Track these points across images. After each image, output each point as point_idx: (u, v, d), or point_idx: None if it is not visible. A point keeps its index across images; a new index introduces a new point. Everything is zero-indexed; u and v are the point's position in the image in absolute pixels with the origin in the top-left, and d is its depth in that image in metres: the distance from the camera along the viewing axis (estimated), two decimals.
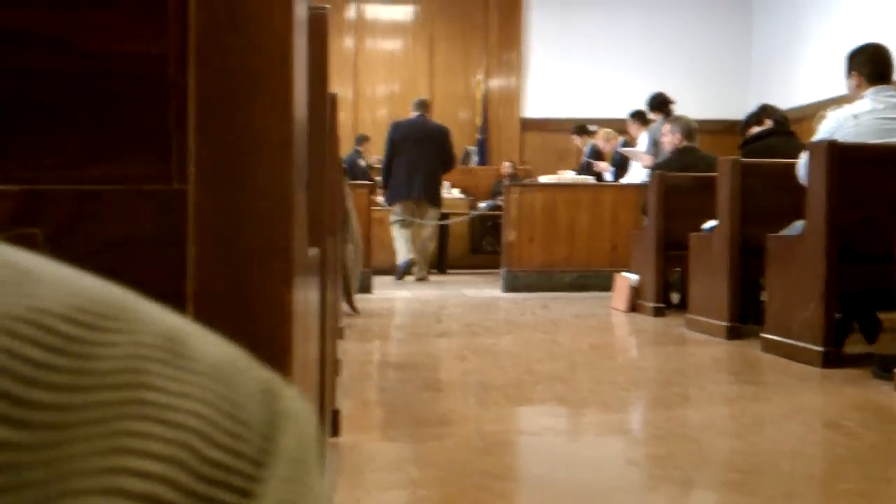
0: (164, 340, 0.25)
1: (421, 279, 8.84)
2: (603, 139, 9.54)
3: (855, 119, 4.16)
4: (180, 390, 0.24)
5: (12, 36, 0.66)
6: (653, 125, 8.42)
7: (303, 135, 0.75)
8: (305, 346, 0.85)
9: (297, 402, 0.28)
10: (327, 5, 1.75)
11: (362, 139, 10.20)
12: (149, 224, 0.65)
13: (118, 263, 0.65)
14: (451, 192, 10.49)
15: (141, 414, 0.23)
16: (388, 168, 8.61)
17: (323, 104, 1.66)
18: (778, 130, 5.86)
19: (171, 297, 0.67)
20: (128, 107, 0.67)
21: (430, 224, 8.85)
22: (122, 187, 0.66)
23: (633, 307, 6.47)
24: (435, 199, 8.75)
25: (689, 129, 6.79)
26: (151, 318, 0.26)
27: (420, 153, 8.38)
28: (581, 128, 10.06)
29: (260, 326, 0.63)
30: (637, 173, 8.64)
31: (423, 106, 8.74)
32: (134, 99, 0.67)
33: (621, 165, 9.17)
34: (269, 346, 0.63)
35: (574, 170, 9.34)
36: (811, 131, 6.40)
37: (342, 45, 11.28)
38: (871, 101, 4.19)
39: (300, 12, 0.69)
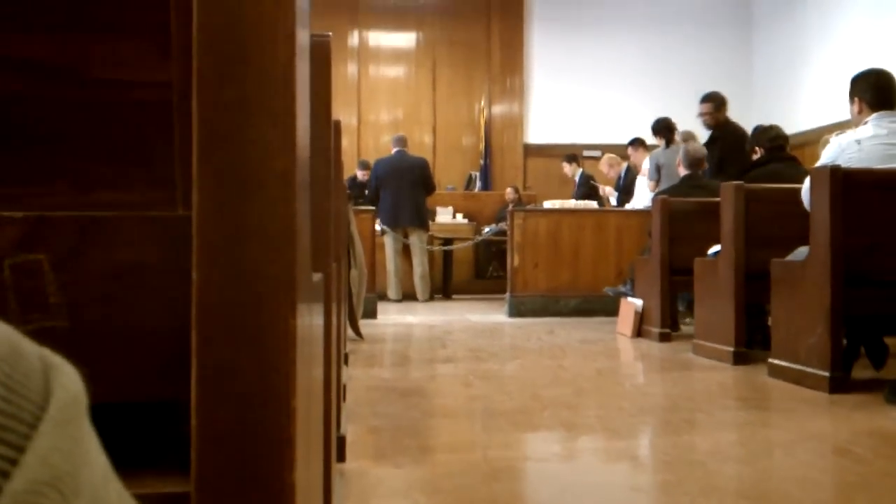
0: None
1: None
2: (606, 164, 9.58)
3: (858, 145, 4.17)
4: None
5: (20, 64, 0.67)
6: (655, 150, 8.45)
7: (306, 161, 0.75)
8: (310, 372, 0.85)
9: (69, 373, 0.32)
10: (329, 33, 1.76)
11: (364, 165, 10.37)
12: (154, 250, 0.65)
13: (123, 289, 0.65)
14: (455, 218, 10.53)
15: None
16: (374, 202, 9.41)
17: (327, 131, 1.67)
18: (778, 156, 5.87)
19: (176, 322, 0.67)
20: (133, 134, 0.68)
21: (419, 248, 9.29)
22: (128, 214, 0.66)
23: (639, 332, 6.46)
24: (423, 223, 9.50)
25: (694, 157, 6.81)
26: None
27: (403, 185, 9.21)
28: (571, 156, 10.14)
29: (264, 352, 0.63)
30: (642, 198, 8.66)
31: (402, 142, 9.57)
32: (139, 126, 0.67)
33: (626, 190, 9.20)
34: (274, 371, 0.63)
35: (568, 199, 9.38)
36: (815, 156, 6.42)
37: (346, 71, 11.35)
38: (874, 127, 4.20)
39: (302, 40, 0.70)
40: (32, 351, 0.31)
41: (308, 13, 0.76)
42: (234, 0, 0.61)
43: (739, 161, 6.70)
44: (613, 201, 9.34)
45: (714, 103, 7.55)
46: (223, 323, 0.63)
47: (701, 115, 7.60)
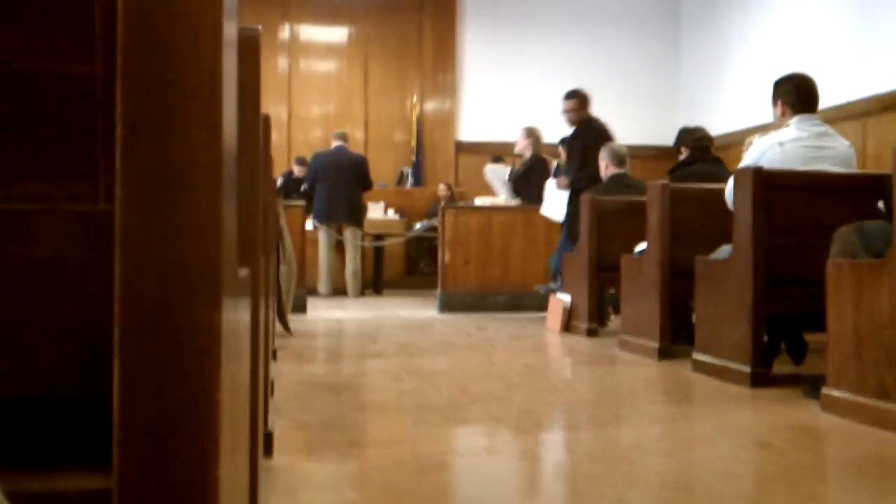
0: None
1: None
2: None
3: (781, 146, 4.27)
4: None
5: None
6: None
7: (232, 155, 0.74)
8: (236, 367, 0.85)
9: None
10: (259, 26, 1.74)
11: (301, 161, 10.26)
12: (76, 244, 0.64)
13: (43, 282, 0.64)
14: (386, 214, 10.52)
15: None
16: (310, 195, 9.38)
17: (256, 125, 1.65)
18: (703, 157, 5.99)
19: (97, 317, 0.66)
20: (55, 127, 0.67)
21: (352, 244, 9.31)
22: (49, 207, 0.65)
23: (567, 328, 6.54)
24: (357, 220, 9.50)
25: (620, 156, 6.92)
26: None
27: (340, 181, 9.20)
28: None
29: (188, 347, 0.63)
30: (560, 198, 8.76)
31: (344, 137, 9.56)
32: (61, 119, 0.66)
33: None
34: (198, 366, 0.63)
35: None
36: (738, 156, 6.57)
37: (276, 65, 11.24)
38: (796, 129, 4.31)
39: (230, 33, 0.69)
40: None
41: (236, 6, 0.75)
42: None
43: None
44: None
45: (578, 100, 7.45)
46: (146, 318, 0.62)
47: (565, 111, 7.49)
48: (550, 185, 7.49)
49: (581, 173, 7.25)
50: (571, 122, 7.46)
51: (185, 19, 0.62)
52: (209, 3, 0.62)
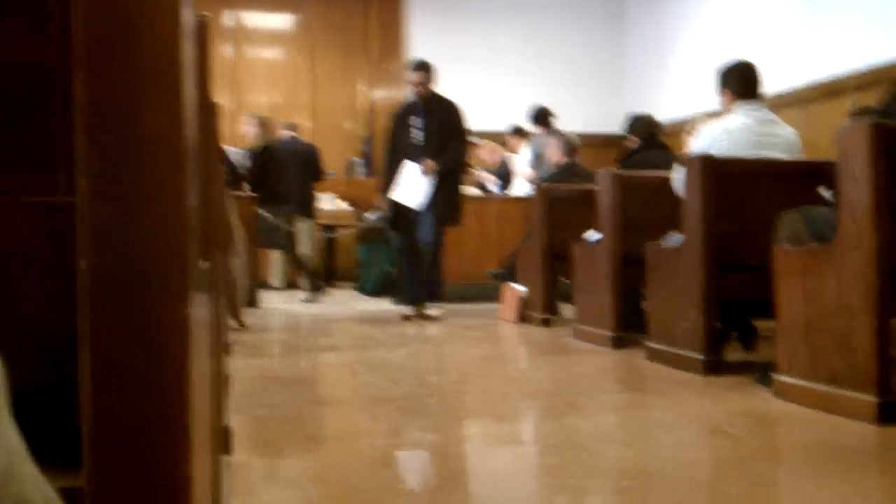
0: None
1: (314, 291, 8.84)
2: (488, 151, 9.66)
3: (728, 133, 4.32)
4: None
5: None
6: (535, 138, 8.58)
7: (194, 143, 0.73)
8: (199, 361, 0.83)
9: None
10: (205, 12, 1.71)
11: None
12: (35, 236, 0.62)
13: (4, 276, 0.62)
14: (336, 203, 10.44)
15: None
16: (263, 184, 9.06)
17: (206, 114, 1.62)
18: (650, 144, 6.04)
19: (59, 311, 0.64)
20: (11, 116, 0.64)
21: (306, 234, 9.26)
22: (7, 199, 0.63)
23: (522, 318, 6.56)
24: (309, 211, 9.22)
25: (570, 145, 6.95)
26: None
27: (291, 173, 8.93)
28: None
29: (156, 341, 0.61)
30: (521, 186, 8.79)
31: (293, 127, 9.36)
32: (18, 109, 0.64)
33: (506, 177, 9.30)
34: (167, 360, 0.61)
35: None
36: (682, 143, 6.64)
37: (221, 53, 11.09)
38: (742, 117, 4.36)
39: (187, 18, 0.67)
40: None
41: None
42: None
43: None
44: (495, 189, 9.44)
45: (427, 72, 6.80)
46: (113, 311, 0.60)
47: (414, 83, 6.76)
48: (411, 168, 6.67)
49: (452, 153, 6.72)
50: (420, 96, 6.76)
51: (144, 4, 0.60)
52: None
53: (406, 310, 6.82)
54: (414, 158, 6.65)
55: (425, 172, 6.59)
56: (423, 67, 6.79)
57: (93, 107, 0.60)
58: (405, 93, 7.12)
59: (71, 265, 0.62)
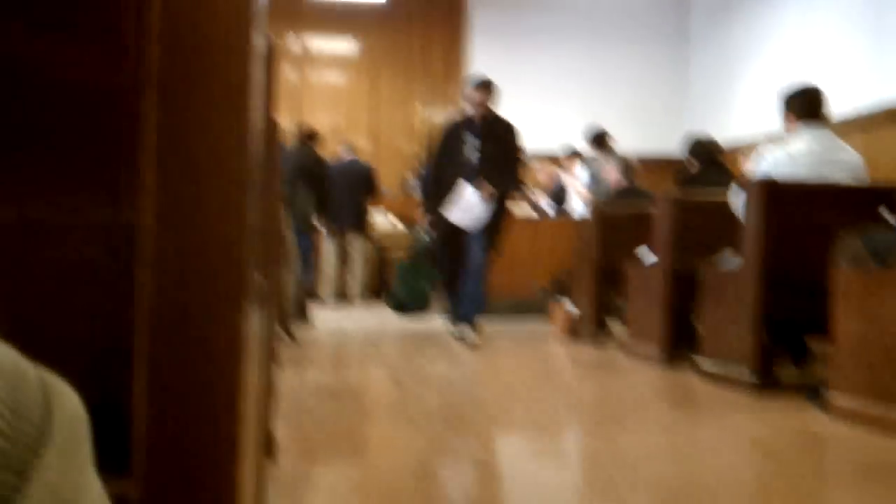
0: None
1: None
2: (544, 174, 9.69)
3: (790, 157, 4.29)
4: None
5: None
6: (591, 160, 8.57)
7: (257, 164, 0.75)
8: (251, 374, 0.86)
9: (68, 395, 0.33)
10: (272, 35, 1.76)
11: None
12: (100, 253, 0.65)
13: (68, 294, 0.65)
14: (392, 223, 10.55)
15: None
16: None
17: (271, 135, 1.67)
18: (710, 166, 5.99)
19: (122, 325, 0.67)
20: (80, 137, 0.68)
21: (359, 250, 9.57)
22: (71, 217, 0.66)
23: (572, 334, 6.54)
24: (363, 228, 9.53)
25: (629, 167, 6.94)
26: None
27: (348, 190, 9.21)
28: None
29: (212, 354, 0.64)
30: (577, 207, 8.77)
31: (353, 149, 9.66)
32: (87, 129, 0.67)
33: (560, 199, 9.30)
34: (223, 372, 0.63)
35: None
36: (740, 167, 6.57)
37: (287, 76, 11.28)
38: (805, 140, 4.33)
39: (259, 45, 0.70)
40: (30, 371, 0.32)
41: (264, 17, 0.77)
42: (193, 3, 0.61)
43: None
44: (550, 211, 9.45)
45: (489, 91, 6.37)
46: (172, 325, 0.63)
47: (475, 101, 6.31)
48: (468, 190, 6.27)
49: (508, 177, 6.40)
50: (482, 117, 6.35)
51: (218, 29, 0.63)
52: (241, 14, 0.63)
53: (457, 330, 6.41)
54: (467, 178, 6.28)
55: (484, 197, 6.24)
56: (487, 86, 6.41)
57: (162, 128, 0.63)
58: (460, 109, 6.67)
59: (129, 284, 0.65)
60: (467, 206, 6.30)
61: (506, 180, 6.37)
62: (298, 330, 6.47)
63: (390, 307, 6.97)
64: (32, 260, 0.68)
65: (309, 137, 8.68)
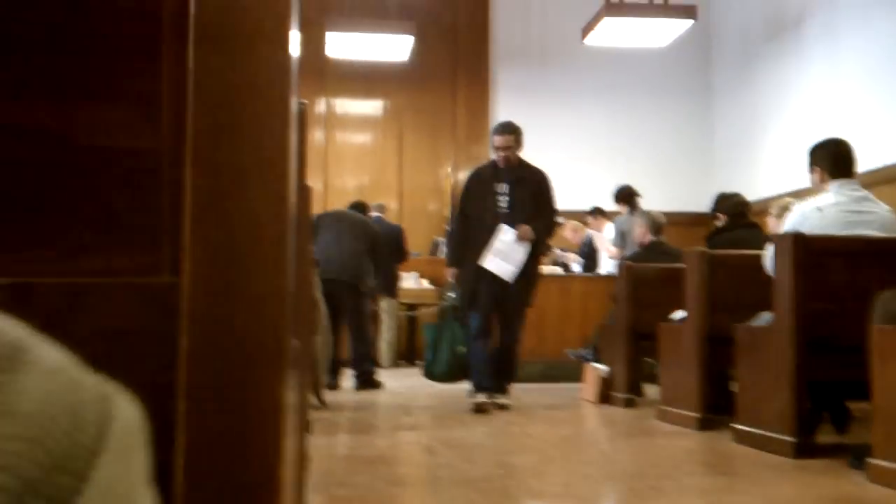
0: (9, 349, 0.32)
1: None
2: (571, 230, 9.67)
3: (819, 212, 4.25)
4: (21, 390, 0.30)
5: (8, 128, 0.66)
6: (619, 217, 8.56)
7: (293, 228, 0.75)
8: (290, 443, 0.84)
9: (125, 402, 0.34)
10: (305, 100, 1.77)
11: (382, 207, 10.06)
12: (141, 316, 0.65)
13: (109, 355, 0.64)
14: (420, 284, 10.54)
15: None
16: None
17: (301, 196, 1.67)
18: (741, 222, 5.96)
19: (163, 388, 0.66)
20: (122, 200, 0.67)
21: (387, 314, 9.56)
22: (115, 280, 0.65)
23: (604, 398, 6.45)
24: (392, 290, 9.40)
25: (656, 224, 6.91)
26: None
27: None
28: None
29: (254, 422, 0.63)
30: (606, 264, 8.75)
31: (382, 209, 9.51)
32: (128, 193, 0.67)
33: (590, 256, 9.28)
34: (264, 442, 0.62)
35: None
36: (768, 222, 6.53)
37: (313, 137, 11.42)
38: (834, 195, 4.29)
39: (294, 108, 0.70)
40: (89, 377, 0.33)
41: (297, 80, 0.77)
42: (229, 65, 0.61)
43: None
44: (577, 268, 9.42)
45: (516, 136, 6.10)
46: (212, 391, 0.62)
47: (501, 148, 6.04)
48: (507, 233, 5.91)
49: (542, 223, 6.07)
50: (509, 163, 6.06)
51: (255, 92, 0.63)
52: (278, 78, 0.63)
53: (479, 397, 5.94)
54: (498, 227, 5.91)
55: (521, 239, 5.86)
56: (513, 130, 6.09)
57: (202, 191, 0.62)
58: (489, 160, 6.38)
59: (172, 344, 0.64)
60: (506, 249, 5.85)
61: (542, 225, 6.03)
62: (327, 394, 6.44)
63: (426, 377, 6.48)
64: (76, 323, 0.67)
65: (361, 207, 8.56)
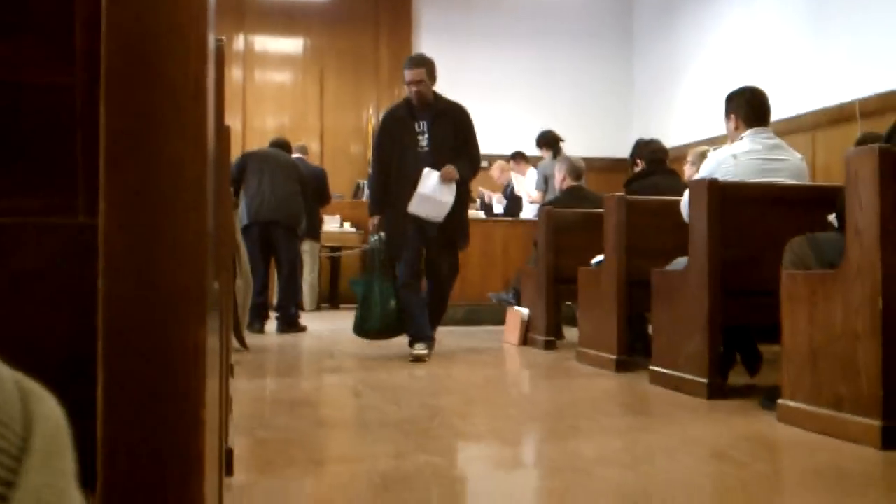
0: None
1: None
2: (498, 170, 9.73)
3: (734, 159, 4.33)
4: None
5: None
6: (542, 162, 8.62)
7: (213, 169, 0.73)
8: (212, 385, 0.84)
9: (48, 400, 0.33)
10: (223, 37, 1.73)
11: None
12: (55, 257, 0.63)
13: (24, 296, 0.62)
14: (342, 227, 10.49)
15: None
16: None
17: (221, 136, 1.64)
18: (659, 169, 6.06)
19: (80, 330, 0.65)
20: (34, 139, 0.65)
21: (310, 256, 9.42)
22: (28, 220, 0.64)
23: (525, 341, 6.55)
24: (315, 233, 9.29)
25: (577, 169, 6.97)
26: None
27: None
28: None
29: (174, 364, 0.62)
30: (527, 209, 8.82)
31: (304, 150, 9.30)
32: (40, 131, 0.65)
33: (512, 199, 9.34)
34: (184, 383, 0.61)
35: None
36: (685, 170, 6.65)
37: (231, 75, 11.16)
38: (749, 142, 4.37)
39: (211, 46, 0.68)
40: (8, 377, 0.31)
41: (214, 17, 0.75)
42: (145, 3, 0.59)
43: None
44: (500, 208, 9.48)
45: (429, 69, 5.77)
46: (132, 334, 0.61)
47: (414, 82, 5.70)
48: (432, 176, 5.63)
49: (467, 161, 5.78)
50: (423, 100, 5.75)
51: (172, 30, 0.61)
52: (195, 15, 0.61)
53: (417, 348, 5.67)
54: (419, 167, 5.63)
55: (446, 180, 5.59)
56: (423, 63, 5.75)
57: (117, 131, 0.61)
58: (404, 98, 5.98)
59: (91, 287, 0.63)
60: (431, 193, 5.60)
61: (468, 164, 5.76)
62: (249, 337, 6.40)
63: (358, 335, 5.95)
64: None
65: (284, 146, 8.21)
